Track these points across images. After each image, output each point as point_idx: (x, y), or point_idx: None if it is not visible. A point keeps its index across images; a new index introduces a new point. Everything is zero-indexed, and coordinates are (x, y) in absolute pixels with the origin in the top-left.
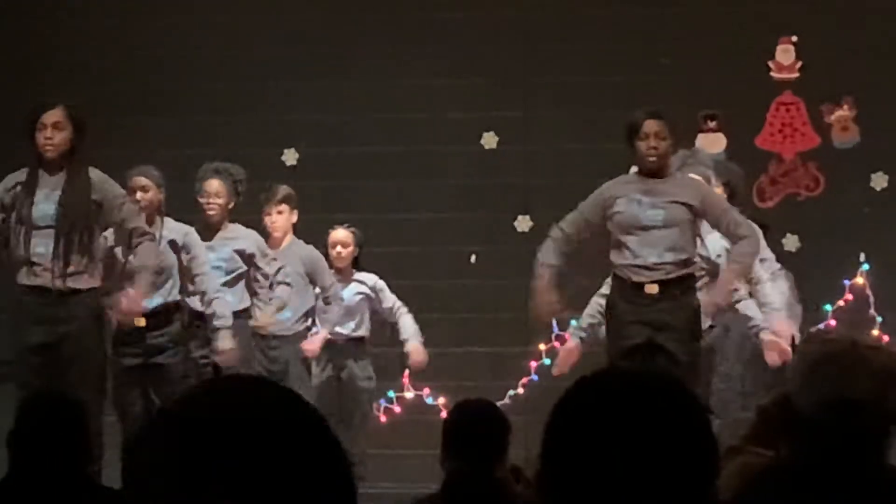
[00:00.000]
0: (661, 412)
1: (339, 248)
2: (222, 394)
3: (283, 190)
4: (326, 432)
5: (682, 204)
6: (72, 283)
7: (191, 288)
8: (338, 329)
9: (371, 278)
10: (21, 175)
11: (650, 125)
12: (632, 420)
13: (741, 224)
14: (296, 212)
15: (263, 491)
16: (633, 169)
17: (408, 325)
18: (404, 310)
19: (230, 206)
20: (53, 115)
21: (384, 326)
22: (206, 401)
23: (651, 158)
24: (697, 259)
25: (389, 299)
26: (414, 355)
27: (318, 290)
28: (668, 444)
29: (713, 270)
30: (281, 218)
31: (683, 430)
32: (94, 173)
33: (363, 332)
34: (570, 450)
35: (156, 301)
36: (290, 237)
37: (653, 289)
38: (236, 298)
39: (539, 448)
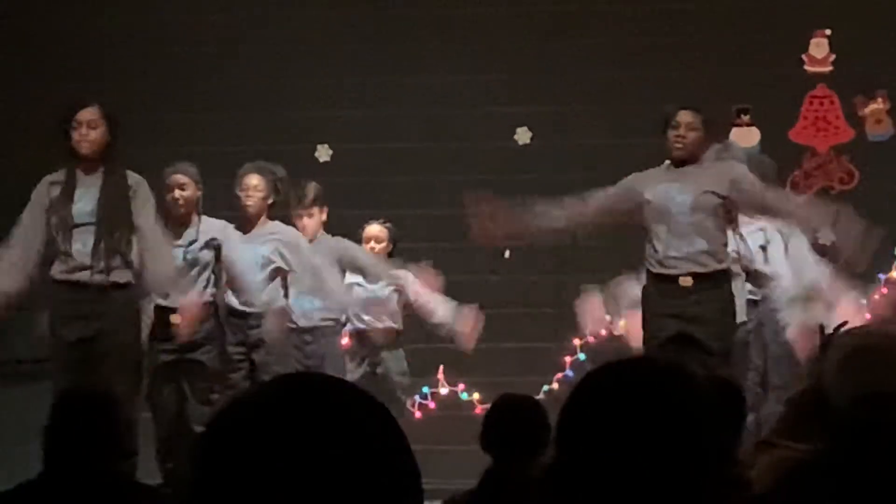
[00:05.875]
0: (667, 402)
1: (372, 244)
2: (292, 391)
3: (313, 190)
4: (395, 430)
5: (711, 193)
6: (113, 279)
7: (228, 285)
8: (370, 322)
9: (402, 273)
10: (59, 175)
11: (683, 115)
12: (639, 410)
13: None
14: (325, 209)
15: (333, 487)
16: (666, 162)
17: (439, 306)
18: (434, 298)
19: (268, 202)
20: (88, 113)
21: (418, 322)
22: (275, 399)
23: (678, 146)
24: (731, 252)
25: (414, 292)
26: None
27: (359, 278)
28: (672, 435)
29: (748, 267)
30: (312, 221)
31: (687, 419)
32: (132, 177)
33: (395, 324)
34: (581, 437)
35: (192, 297)
36: (319, 233)
37: (687, 281)
38: (271, 297)
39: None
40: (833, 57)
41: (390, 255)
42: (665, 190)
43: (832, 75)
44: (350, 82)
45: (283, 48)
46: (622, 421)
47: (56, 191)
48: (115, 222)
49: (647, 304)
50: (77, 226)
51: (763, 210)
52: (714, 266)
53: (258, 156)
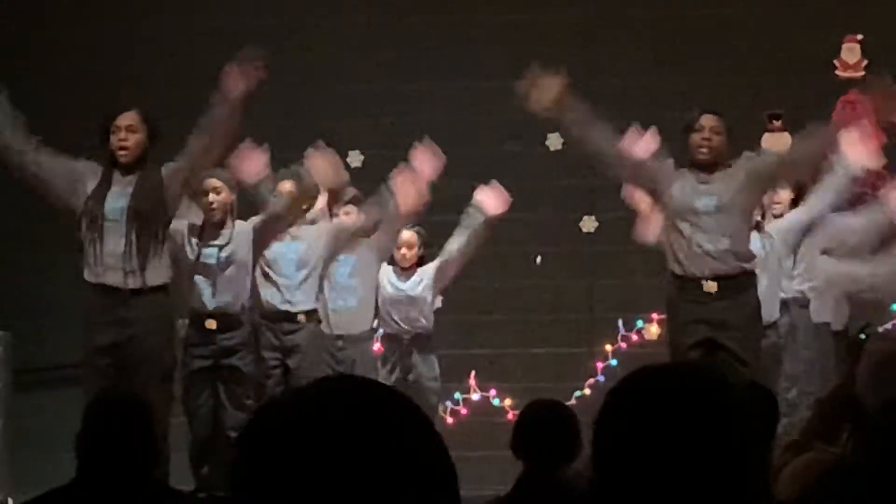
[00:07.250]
0: (704, 407)
1: (404, 250)
2: (329, 393)
3: (351, 192)
4: (432, 432)
5: (737, 194)
6: (143, 281)
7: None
8: (402, 325)
9: (428, 267)
10: (97, 171)
11: (707, 119)
12: (676, 414)
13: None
14: (363, 215)
15: (369, 487)
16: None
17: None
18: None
19: (303, 207)
20: (127, 118)
21: (451, 327)
22: (313, 400)
23: (703, 150)
24: (758, 251)
25: (436, 264)
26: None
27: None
28: (705, 439)
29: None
30: (348, 219)
31: (724, 424)
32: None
33: (426, 326)
34: (617, 441)
35: (225, 301)
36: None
37: (711, 287)
38: (307, 297)
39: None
40: (865, 62)
41: (421, 259)
42: (692, 188)
43: (864, 80)
44: (381, 88)
45: (315, 55)
46: (658, 426)
47: (93, 182)
48: (145, 223)
49: (672, 310)
50: (109, 223)
51: (791, 167)
52: (739, 267)
53: (290, 162)
